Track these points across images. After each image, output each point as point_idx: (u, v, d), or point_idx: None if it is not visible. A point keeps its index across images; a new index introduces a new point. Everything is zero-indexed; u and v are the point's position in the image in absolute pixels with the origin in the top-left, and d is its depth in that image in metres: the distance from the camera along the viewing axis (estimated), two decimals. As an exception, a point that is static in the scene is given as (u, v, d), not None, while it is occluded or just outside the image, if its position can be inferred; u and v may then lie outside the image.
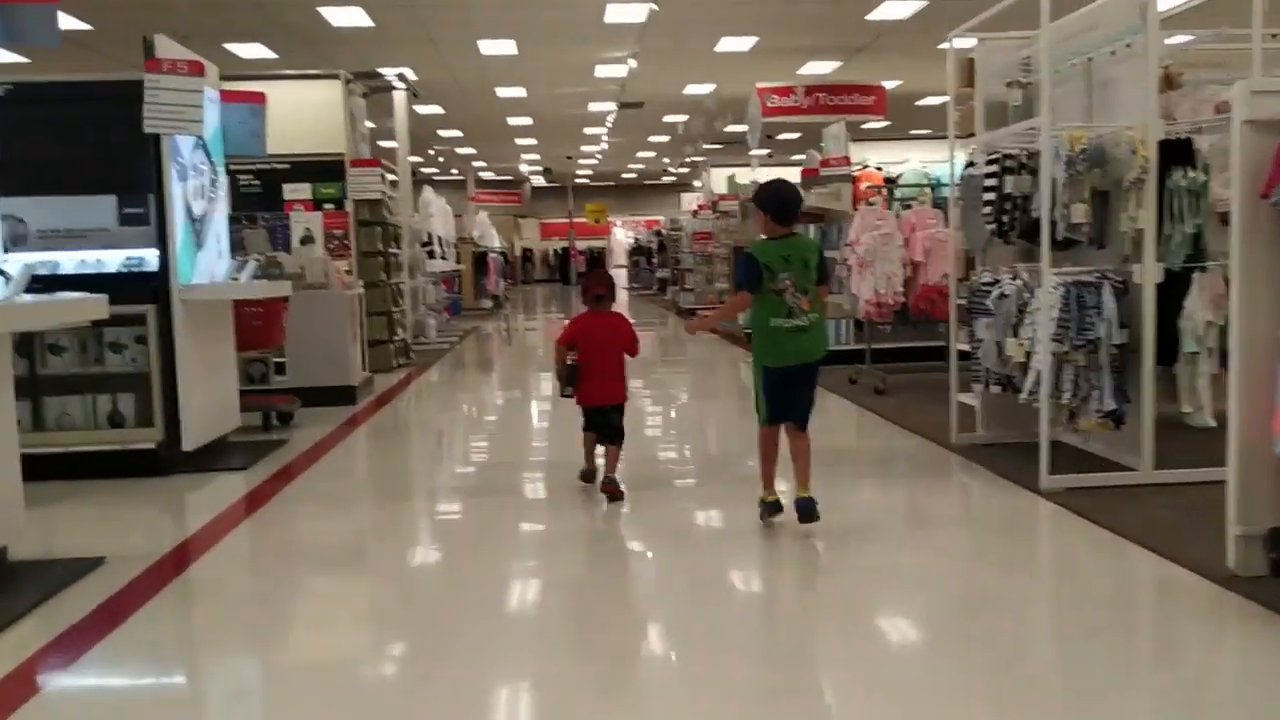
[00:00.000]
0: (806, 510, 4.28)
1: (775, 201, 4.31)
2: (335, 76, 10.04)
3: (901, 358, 9.23)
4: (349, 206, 10.00)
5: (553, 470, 6.00)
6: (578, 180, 39.82)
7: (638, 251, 35.61)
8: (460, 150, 28.99)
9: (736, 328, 12.01)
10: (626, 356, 5.10)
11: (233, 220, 7.43)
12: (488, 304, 20.22)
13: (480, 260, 19.87)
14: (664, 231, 24.73)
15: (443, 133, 24.84)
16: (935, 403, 6.62)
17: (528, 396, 10.17)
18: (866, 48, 15.17)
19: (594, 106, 21.02)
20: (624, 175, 38.86)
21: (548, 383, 9.63)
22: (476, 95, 19.10)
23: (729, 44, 14.89)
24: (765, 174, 17.33)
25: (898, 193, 9.77)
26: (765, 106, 13.82)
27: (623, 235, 38.06)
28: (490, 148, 28.49)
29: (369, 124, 11.99)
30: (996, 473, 5.39)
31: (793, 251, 4.22)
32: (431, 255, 13.55)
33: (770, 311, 4.21)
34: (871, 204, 8.07)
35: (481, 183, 38.39)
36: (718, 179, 19.02)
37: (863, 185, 9.82)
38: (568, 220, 39.13)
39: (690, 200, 26.55)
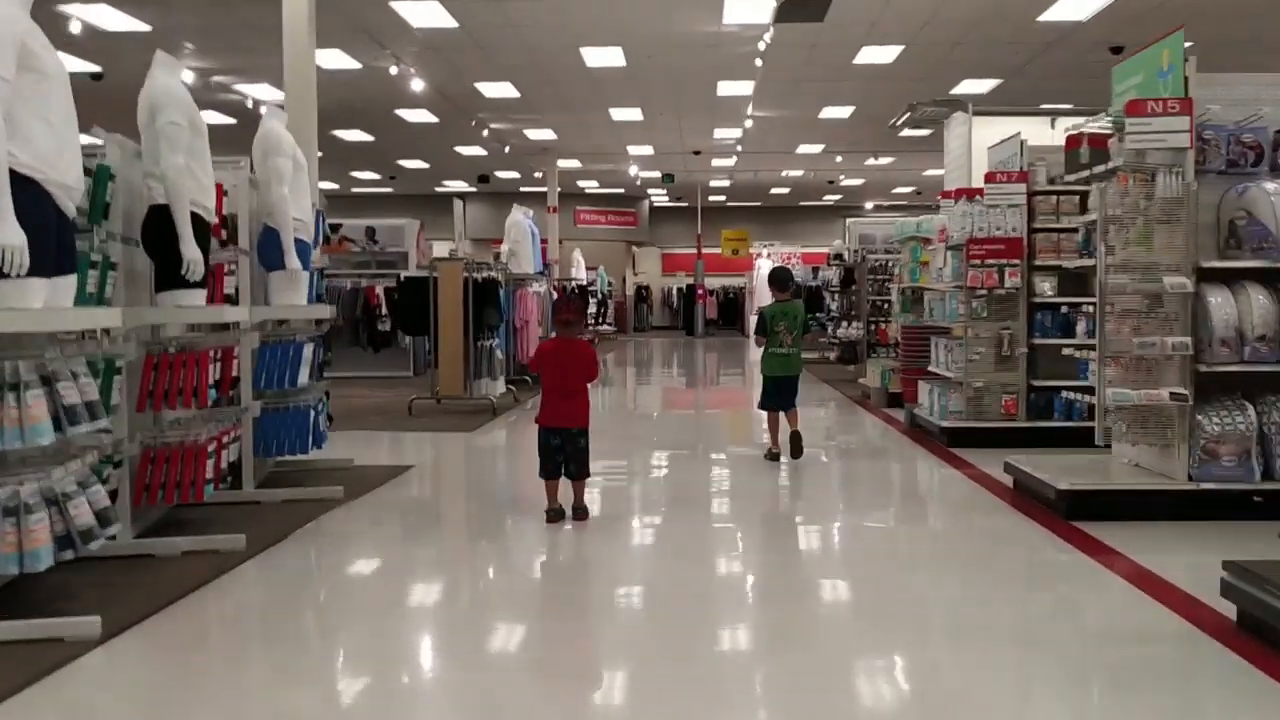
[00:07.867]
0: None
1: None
2: None
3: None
4: None
5: None
6: (711, 199, 29.82)
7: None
8: (533, 134, 19.26)
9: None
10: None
11: None
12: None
13: (482, 294, 9.28)
14: (850, 254, 14.30)
15: (485, 88, 15.09)
16: None
17: None
18: None
19: (732, 14, 10.98)
20: (773, 191, 28.61)
21: None
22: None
23: None
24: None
25: None
26: None
27: (770, 267, 27.60)
28: (570, 124, 18.62)
29: None
30: None
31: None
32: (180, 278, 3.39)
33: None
34: None
35: (581, 197, 28.70)
36: (988, 133, 8.61)
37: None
38: (695, 250, 29.11)
39: (859, 227, 15.81)
